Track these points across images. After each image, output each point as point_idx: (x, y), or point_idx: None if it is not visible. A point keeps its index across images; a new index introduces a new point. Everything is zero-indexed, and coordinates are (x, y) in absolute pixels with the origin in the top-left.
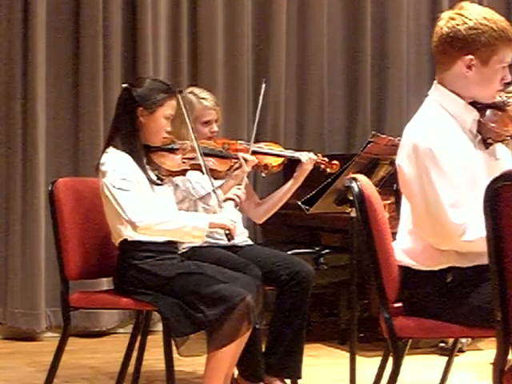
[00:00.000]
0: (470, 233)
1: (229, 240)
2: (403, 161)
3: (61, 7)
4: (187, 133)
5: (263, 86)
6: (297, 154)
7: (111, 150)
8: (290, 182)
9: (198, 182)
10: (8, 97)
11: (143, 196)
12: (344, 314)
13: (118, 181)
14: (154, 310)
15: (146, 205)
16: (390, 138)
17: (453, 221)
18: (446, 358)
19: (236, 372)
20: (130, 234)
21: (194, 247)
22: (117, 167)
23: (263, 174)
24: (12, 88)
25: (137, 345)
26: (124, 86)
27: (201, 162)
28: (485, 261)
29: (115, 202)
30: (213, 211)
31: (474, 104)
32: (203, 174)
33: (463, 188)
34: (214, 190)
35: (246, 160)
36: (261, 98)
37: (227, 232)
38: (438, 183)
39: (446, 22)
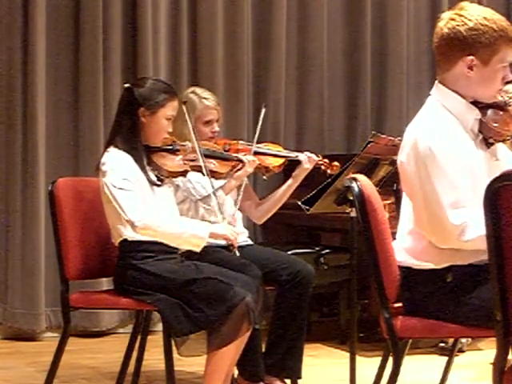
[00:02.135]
0: (468, 232)
1: (230, 251)
2: (404, 160)
3: (61, 7)
4: (188, 133)
5: (263, 110)
6: (297, 154)
7: (112, 149)
8: (289, 181)
9: (198, 181)
10: (8, 97)
11: (144, 196)
12: (344, 314)
13: (118, 180)
14: (154, 310)
15: (146, 205)
16: (390, 138)
17: (452, 221)
18: (446, 358)
19: (236, 372)
20: (131, 234)
21: None
22: (117, 167)
23: (264, 177)
24: (12, 88)
25: (137, 345)
26: (126, 85)
27: (201, 165)
28: (485, 258)
29: (115, 202)
30: (214, 212)
31: (475, 103)
32: (204, 175)
33: (463, 188)
34: (213, 192)
35: (248, 161)
36: (260, 122)
37: (229, 243)
38: (437, 183)
39: (446, 22)
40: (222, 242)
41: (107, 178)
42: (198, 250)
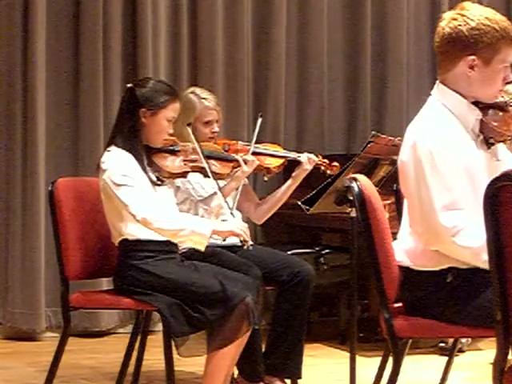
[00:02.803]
0: (459, 239)
1: (242, 246)
2: (404, 159)
3: (61, 7)
4: (188, 135)
5: (259, 120)
6: (297, 155)
7: (113, 148)
8: (288, 182)
9: (197, 182)
10: (8, 97)
11: (145, 191)
12: (344, 314)
13: (118, 177)
14: (153, 310)
15: (148, 199)
16: (390, 138)
17: (442, 223)
18: (446, 358)
19: (236, 372)
20: (131, 232)
21: (194, 247)
22: (117, 164)
23: (265, 178)
24: (12, 88)
25: (137, 345)
26: (128, 85)
27: (205, 166)
28: None
29: (117, 199)
30: (214, 213)
31: (476, 104)
32: (204, 176)
33: (460, 190)
34: (219, 189)
35: (246, 161)
36: (256, 132)
37: (241, 239)
38: (432, 184)
39: (447, 22)
40: (223, 242)
41: (108, 176)
42: (201, 248)
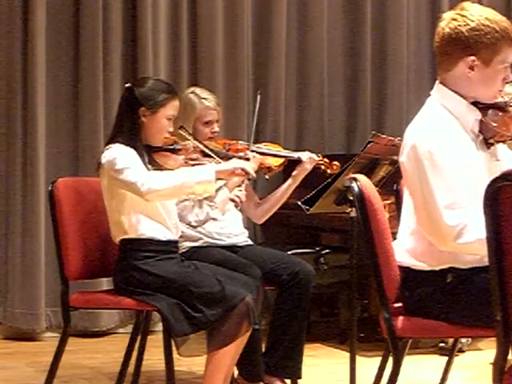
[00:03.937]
0: (466, 235)
1: (249, 180)
2: (405, 160)
3: (61, 7)
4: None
5: (258, 97)
6: (298, 154)
7: (113, 145)
8: (288, 181)
9: None
10: (8, 97)
11: (145, 169)
12: (344, 314)
13: (119, 163)
14: (154, 310)
15: (148, 173)
16: (390, 138)
17: (447, 222)
18: (446, 358)
19: (236, 372)
20: (133, 228)
21: (194, 247)
22: (117, 154)
23: (266, 176)
24: (12, 88)
25: (137, 345)
26: (127, 85)
27: (209, 160)
28: (485, 263)
29: (122, 183)
30: (220, 208)
31: (475, 104)
32: None
33: (461, 189)
34: (225, 185)
35: (252, 157)
36: (256, 110)
37: (243, 174)
38: (434, 184)
39: (447, 22)
40: (222, 243)
41: (109, 166)
42: (212, 191)
